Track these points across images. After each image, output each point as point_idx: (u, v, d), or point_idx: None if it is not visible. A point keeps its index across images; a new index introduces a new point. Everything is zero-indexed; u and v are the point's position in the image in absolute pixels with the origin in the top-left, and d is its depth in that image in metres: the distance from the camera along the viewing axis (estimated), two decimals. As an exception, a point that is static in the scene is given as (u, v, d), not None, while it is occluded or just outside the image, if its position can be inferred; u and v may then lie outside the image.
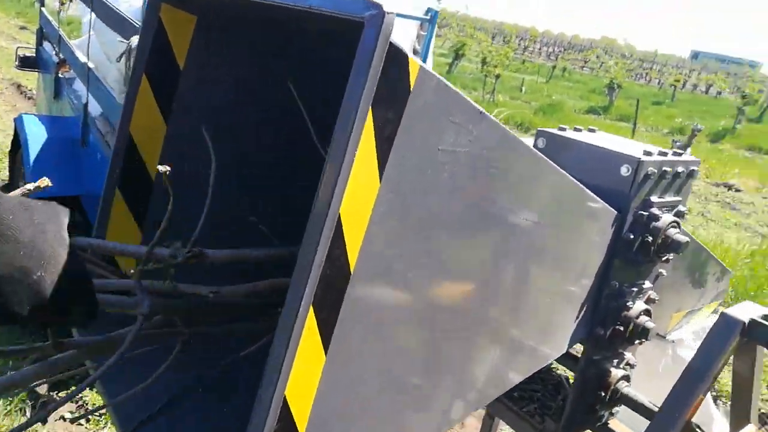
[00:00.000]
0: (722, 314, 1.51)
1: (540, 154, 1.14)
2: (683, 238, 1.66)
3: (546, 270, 1.39)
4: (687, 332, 2.12)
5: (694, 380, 1.45)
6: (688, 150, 6.67)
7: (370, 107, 0.73)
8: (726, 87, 34.29)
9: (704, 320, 2.19)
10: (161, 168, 0.96)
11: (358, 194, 0.77)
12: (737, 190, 10.10)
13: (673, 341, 2.10)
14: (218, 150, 1.17)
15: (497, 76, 16.75)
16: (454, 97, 0.87)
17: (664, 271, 1.82)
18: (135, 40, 2.97)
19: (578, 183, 1.35)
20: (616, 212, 1.57)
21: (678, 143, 7.35)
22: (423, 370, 1.08)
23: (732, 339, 1.48)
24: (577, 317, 1.62)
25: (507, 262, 1.18)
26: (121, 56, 2.96)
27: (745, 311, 1.52)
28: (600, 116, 17.65)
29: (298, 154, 1.38)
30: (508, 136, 1.01)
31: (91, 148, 4.10)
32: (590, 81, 29.28)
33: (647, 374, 2.16)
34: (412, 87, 0.79)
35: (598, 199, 1.47)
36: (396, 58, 0.74)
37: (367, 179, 0.78)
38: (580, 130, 1.90)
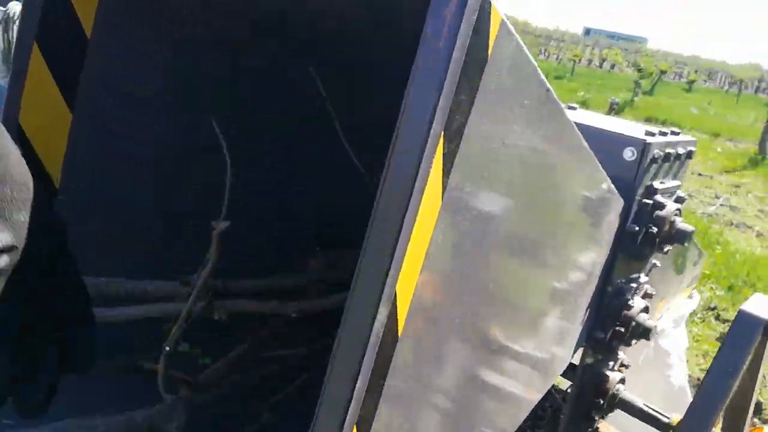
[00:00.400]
0: (741, 314, 1.36)
1: (585, 142, 0.89)
2: (689, 228, 1.49)
3: (570, 274, 1.17)
4: (667, 321, 2.00)
5: (717, 393, 1.29)
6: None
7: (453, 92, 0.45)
8: (622, 61, 36.05)
9: (682, 307, 2.08)
10: (217, 225, 0.70)
11: (419, 237, 0.50)
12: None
13: (656, 333, 1.97)
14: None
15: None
16: (530, 69, 0.59)
17: (658, 263, 1.66)
18: (13, 6, 2.47)
19: (604, 173, 1.12)
20: (623, 202, 1.37)
21: (597, 117, 7.30)
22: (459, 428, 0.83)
23: (755, 340, 1.33)
24: (582, 321, 1.42)
25: (545, 274, 0.95)
26: (-3, 27, 2.45)
27: (764, 308, 1.37)
28: (508, 91, 17.96)
29: (294, 158, 1.08)
30: (567, 121, 0.76)
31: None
32: (495, 56, 29.72)
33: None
34: (490, 52, 0.51)
35: (614, 189, 1.26)
36: (483, 7, 0.46)
37: (431, 205, 0.50)
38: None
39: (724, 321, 4.11)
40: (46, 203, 0.55)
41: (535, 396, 1.21)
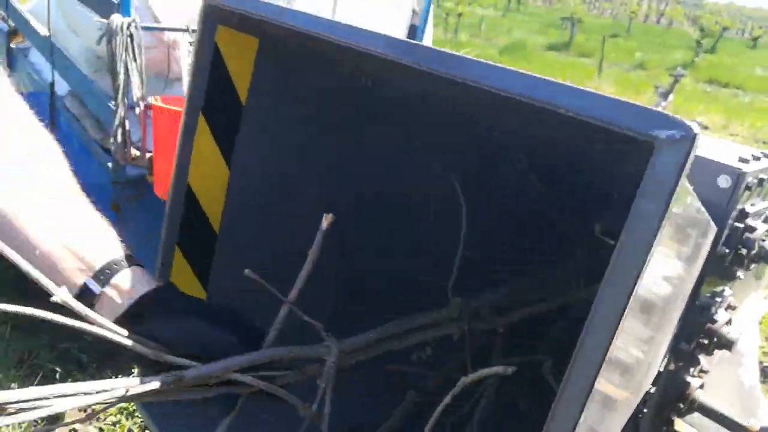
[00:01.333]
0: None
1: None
2: (776, 249, 1.56)
3: (669, 296, 1.28)
4: (745, 321, 2.06)
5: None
6: (671, 96, 6.49)
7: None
8: (684, 20, 34.34)
9: (759, 306, 2.14)
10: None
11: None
12: (704, 128, 10.22)
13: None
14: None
15: (459, 15, 16.29)
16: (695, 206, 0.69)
17: (742, 275, 1.73)
18: (116, 19, 2.63)
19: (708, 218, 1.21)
20: (716, 228, 1.45)
21: (660, 89, 7.13)
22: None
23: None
24: (672, 333, 1.53)
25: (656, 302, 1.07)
26: (101, 39, 2.63)
27: None
28: (561, 53, 17.52)
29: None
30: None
31: (64, 133, 3.73)
32: (546, 14, 28.95)
33: (703, 367, 2.11)
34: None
35: (712, 223, 1.34)
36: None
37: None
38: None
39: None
40: None
41: (635, 403, 1.34)
